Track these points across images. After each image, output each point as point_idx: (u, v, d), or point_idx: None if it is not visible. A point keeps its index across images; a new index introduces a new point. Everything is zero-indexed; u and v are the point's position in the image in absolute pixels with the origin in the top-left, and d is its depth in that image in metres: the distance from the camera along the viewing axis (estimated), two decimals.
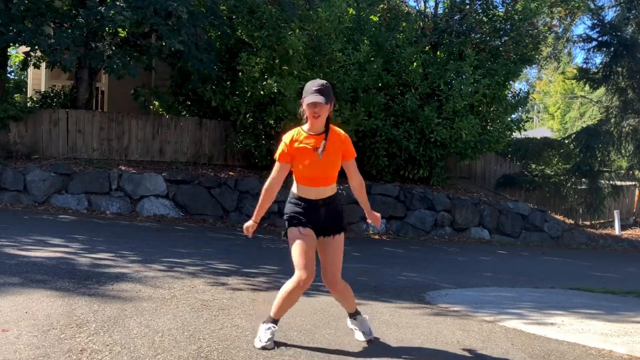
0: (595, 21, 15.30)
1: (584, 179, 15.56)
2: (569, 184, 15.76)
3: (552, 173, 16.12)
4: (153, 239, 8.05)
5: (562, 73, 23.34)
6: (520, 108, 15.29)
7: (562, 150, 16.21)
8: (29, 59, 11.43)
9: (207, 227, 10.11)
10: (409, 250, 9.85)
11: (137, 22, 10.46)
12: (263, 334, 3.58)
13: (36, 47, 10.56)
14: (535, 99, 39.39)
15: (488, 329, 4.40)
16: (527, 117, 15.87)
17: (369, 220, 3.82)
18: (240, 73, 11.45)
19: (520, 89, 18.05)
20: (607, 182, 15.89)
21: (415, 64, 12.18)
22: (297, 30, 11.11)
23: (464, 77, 12.30)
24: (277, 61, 11.29)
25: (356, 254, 8.88)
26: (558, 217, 14.34)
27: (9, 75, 16.72)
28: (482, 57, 13.19)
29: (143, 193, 10.62)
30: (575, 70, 17.77)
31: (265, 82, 10.93)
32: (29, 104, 12.36)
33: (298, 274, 3.53)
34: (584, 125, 19.12)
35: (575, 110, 30.77)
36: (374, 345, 3.78)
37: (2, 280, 4.64)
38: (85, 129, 11.60)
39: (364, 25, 12.42)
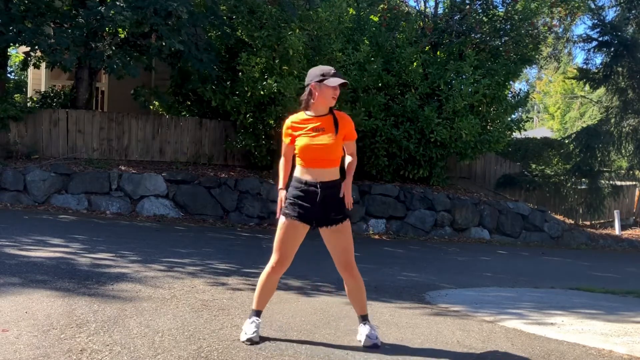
0: (596, 21, 15.30)
1: (584, 179, 15.56)
2: (569, 184, 15.77)
3: (552, 173, 16.12)
4: (153, 239, 8.05)
5: (563, 73, 23.37)
6: (520, 108, 15.31)
7: (562, 150, 16.21)
8: (29, 59, 11.43)
9: (207, 227, 10.12)
10: (409, 250, 9.85)
11: (137, 22, 10.46)
12: (248, 327, 3.62)
13: (36, 47, 10.56)
14: (535, 99, 39.40)
15: (488, 329, 4.40)
16: (527, 117, 15.87)
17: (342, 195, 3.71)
18: (240, 73, 11.46)
19: (520, 89, 18.07)
20: (607, 182, 15.89)
21: (415, 64, 12.18)
22: (297, 30, 11.11)
23: (464, 77, 12.30)
24: (277, 61, 11.29)
25: (356, 254, 8.82)
26: (558, 217, 14.34)
27: (9, 75, 16.73)
28: (482, 57, 13.20)
29: (143, 193, 10.62)
30: (575, 70, 17.77)
31: (265, 82, 10.94)
32: (29, 104, 12.36)
33: (272, 258, 3.65)
34: (584, 125, 19.13)
35: (575, 110, 30.78)
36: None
37: (2, 280, 4.64)
38: (85, 129, 11.60)
39: (364, 25, 12.42)
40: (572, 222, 15.07)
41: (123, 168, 11.10)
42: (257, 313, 3.71)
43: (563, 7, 14.87)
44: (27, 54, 11.32)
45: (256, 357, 3.36)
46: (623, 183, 16.47)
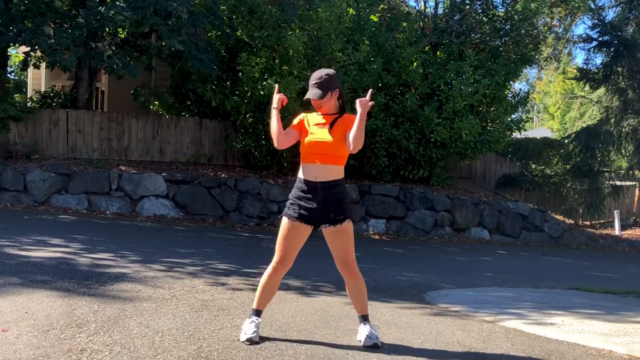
0: (596, 21, 15.30)
1: (584, 179, 15.56)
2: (569, 184, 15.77)
3: (552, 173, 16.12)
4: (153, 239, 8.05)
5: (563, 73, 23.36)
6: (520, 108, 15.30)
7: (562, 150, 16.21)
8: (29, 59, 11.43)
9: (207, 227, 10.11)
10: (409, 250, 9.85)
11: (137, 22, 10.46)
12: (247, 327, 3.63)
13: (36, 47, 10.56)
14: (535, 99, 39.38)
15: (488, 329, 4.40)
16: (527, 117, 15.88)
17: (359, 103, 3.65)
18: (240, 73, 11.46)
19: (520, 89, 18.07)
20: (607, 182, 15.88)
21: (415, 64, 12.18)
22: (297, 30, 11.11)
23: (464, 77, 12.30)
24: (277, 61, 11.29)
25: (356, 254, 8.83)
26: (558, 217, 14.34)
27: (9, 75, 16.72)
28: (482, 57, 13.20)
29: (143, 193, 10.62)
30: (575, 71, 17.77)
31: (265, 82, 10.94)
32: (29, 104, 12.36)
33: (274, 259, 3.66)
34: (584, 125, 19.12)
35: (575, 110, 30.78)
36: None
37: (2, 280, 4.64)
38: (85, 129, 11.60)
39: (364, 25, 12.43)
40: (572, 222, 15.07)
41: (123, 168, 11.10)
42: (257, 313, 3.72)
43: (563, 7, 14.88)
44: (27, 54, 11.32)
45: (256, 357, 3.36)
46: (623, 183, 16.47)
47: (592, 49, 15.76)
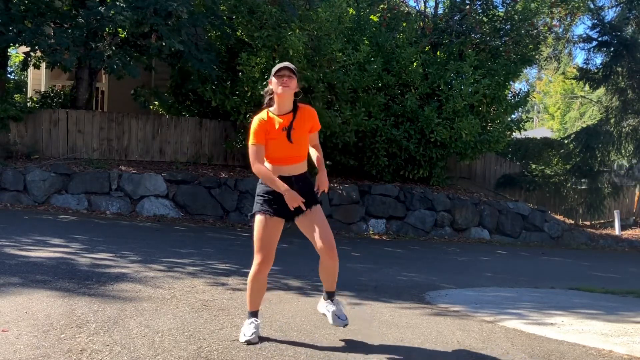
0: (595, 21, 15.30)
1: (584, 179, 15.56)
2: (569, 184, 15.76)
3: (552, 173, 16.11)
4: (153, 239, 8.05)
5: (563, 73, 23.35)
6: (520, 108, 15.30)
7: (562, 150, 16.21)
8: (29, 59, 11.43)
9: (207, 227, 10.11)
10: (409, 250, 9.85)
11: (137, 22, 10.45)
12: (247, 329, 3.63)
13: (36, 47, 10.56)
14: (535, 99, 39.38)
15: (488, 329, 4.40)
16: (527, 117, 15.87)
17: (317, 187, 3.73)
18: (240, 73, 11.45)
19: (520, 89, 18.02)
20: (607, 182, 15.88)
21: (415, 64, 12.18)
22: (297, 30, 11.11)
23: (464, 77, 12.30)
24: (277, 61, 11.28)
25: (356, 254, 8.88)
26: (558, 217, 14.34)
27: (9, 75, 16.72)
28: (482, 57, 13.19)
29: (143, 193, 10.62)
30: (575, 71, 17.76)
31: (265, 82, 10.92)
32: (29, 104, 12.36)
33: (255, 258, 3.63)
34: (584, 125, 19.11)
35: (575, 110, 30.78)
36: (374, 345, 3.78)
37: (2, 280, 4.64)
38: (85, 129, 11.60)
39: (364, 25, 12.42)
40: (572, 222, 15.06)
41: (123, 168, 11.10)
42: (254, 314, 3.72)
43: (563, 7, 14.88)
44: (27, 54, 11.32)
45: (256, 357, 3.36)
46: (623, 183, 16.46)
47: (592, 49, 15.75)
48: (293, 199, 3.52)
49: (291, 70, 3.58)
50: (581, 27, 67.86)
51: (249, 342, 3.55)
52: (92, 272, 5.29)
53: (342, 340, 3.81)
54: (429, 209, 11.98)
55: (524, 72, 23.82)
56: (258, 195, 3.70)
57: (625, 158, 16.20)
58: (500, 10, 14.11)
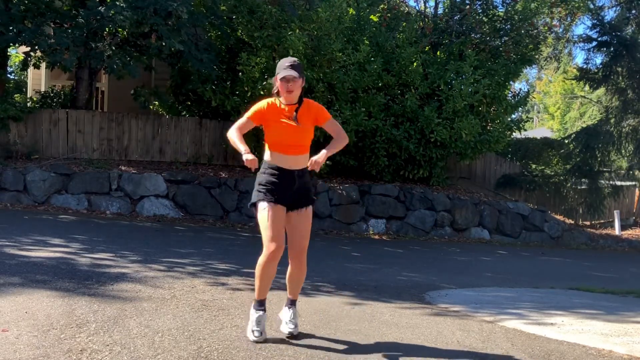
0: (595, 21, 15.30)
1: (584, 179, 15.56)
2: (569, 184, 15.76)
3: (552, 173, 16.11)
4: (153, 239, 8.05)
5: (563, 73, 23.36)
6: (520, 108, 15.30)
7: (562, 150, 16.21)
8: (29, 59, 11.42)
9: (207, 227, 10.11)
10: (409, 250, 9.85)
11: (137, 22, 10.45)
12: (253, 325, 3.64)
13: (36, 47, 10.56)
14: (535, 99, 39.39)
15: (488, 329, 4.40)
16: (527, 117, 15.86)
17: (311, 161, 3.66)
18: (240, 73, 11.45)
19: (520, 89, 18.00)
20: (607, 182, 15.88)
21: (415, 64, 12.17)
22: (297, 30, 11.11)
23: (464, 77, 12.29)
24: (277, 61, 11.27)
25: (356, 254, 8.88)
26: (558, 217, 14.34)
27: (9, 75, 16.72)
28: (482, 57, 13.19)
29: (143, 193, 10.62)
30: (575, 71, 17.76)
31: (265, 82, 10.93)
32: (29, 104, 12.36)
33: (267, 246, 3.61)
34: (584, 125, 19.12)
35: (575, 110, 30.78)
36: (374, 345, 3.78)
37: (2, 280, 4.64)
38: (85, 129, 11.60)
39: (364, 25, 12.42)
40: (572, 222, 15.06)
41: (123, 168, 11.10)
42: (261, 303, 3.71)
43: (563, 7, 14.87)
44: (27, 54, 11.32)
45: (256, 357, 3.36)
46: (623, 183, 16.46)
47: (591, 49, 15.75)
48: (251, 162, 3.52)
49: (295, 75, 3.61)
50: (581, 27, 67.95)
51: (257, 341, 3.57)
52: (92, 272, 5.29)
53: (342, 340, 3.81)
54: (429, 209, 11.98)
55: (524, 72, 23.82)
56: (260, 184, 3.71)
57: (625, 158, 16.20)
58: (500, 10, 14.11)
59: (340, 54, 11.41)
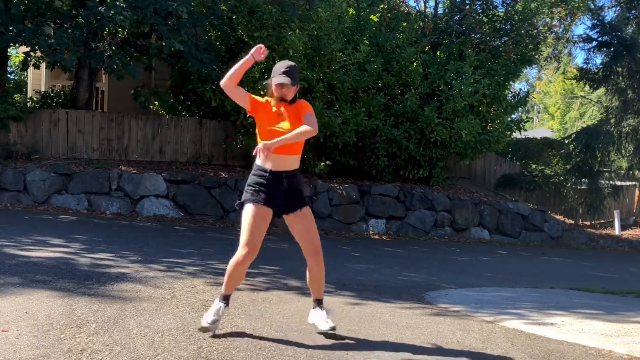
0: (595, 21, 15.30)
1: (584, 179, 15.56)
2: (569, 184, 15.76)
3: (552, 173, 16.11)
4: (153, 239, 8.05)
5: (563, 73, 23.36)
6: (520, 108, 15.31)
7: (562, 150, 16.21)
8: (29, 59, 11.42)
9: (207, 227, 10.11)
10: (409, 250, 9.85)
11: (137, 22, 10.45)
12: (209, 315, 3.68)
13: (36, 47, 10.56)
14: (535, 99, 39.39)
15: (488, 329, 4.40)
16: (527, 117, 15.87)
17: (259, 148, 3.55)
18: None
19: (520, 89, 18.04)
20: (607, 182, 15.88)
21: (415, 64, 12.17)
22: (297, 30, 11.11)
23: (464, 77, 12.29)
24: (277, 61, 11.27)
25: (356, 254, 8.88)
26: (558, 217, 14.34)
27: (9, 75, 16.71)
28: (482, 57, 13.19)
29: (143, 193, 10.61)
30: (575, 71, 17.77)
31: (265, 82, 10.92)
32: (29, 104, 12.36)
33: (239, 250, 3.67)
34: (584, 126, 19.12)
35: (575, 110, 30.79)
36: (375, 345, 3.78)
37: (2, 280, 4.64)
38: (85, 129, 11.60)
39: (364, 25, 12.42)
40: (572, 222, 15.06)
41: (123, 168, 11.10)
42: (226, 298, 3.76)
43: (563, 7, 14.87)
44: (27, 54, 11.32)
45: (256, 357, 3.36)
46: (623, 183, 16.46)
47: (592, 49, 15.76)
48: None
49: (288, 81, 3.63)
50: (581, 27, 67.97)
51: (205, 330, 3.61)
52: (92, 272, 5.29)
53: (342, 340, 3.81)
54: (429, 209, 11.98)
55: (524, 72, 23.83)
56: (249, 185, 3.75)
57: (625, 158, 16.20)
58: (500, 10, 14.11)
59: (340, 54, 11.41)
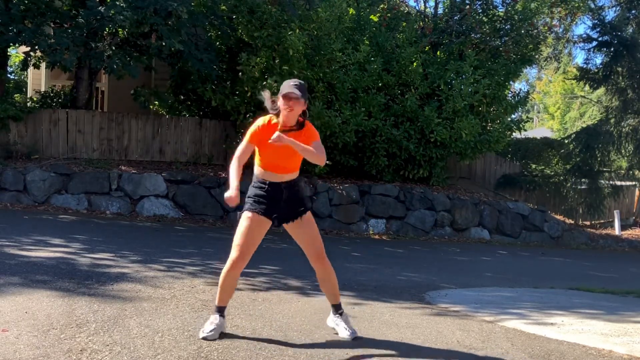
0: (596, 21, 15.30)
1: (584, 179, 15.56)
2: (569, 184, 15.76)
3: (552, 173, 16.11)
4: (153, 239, 8.05)
5: (563, 73, 23.36)
6: (520, 108, 15.30)
7: (562, 150, 16.21)
8: (29, 59, 11.43)
9: (207, 227, 10.12)
10: (409, 250, 9.85)
11: (137, 22, 10.45)
12: (207, 326, 3.66)
13: (36, 47, 10.56)
14: (535, 99, 39.38)
15: (488, 329, 4.40)
16: (527, 117, 15.87)
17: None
18: (240, 73, 11.45)
19: (520, 89, 18.05)
20: (607, 182, 15.87)
21: (415, 64, 12.17)
22: (297, 30, 11.11)
23: (464, 77, 12.29)
24: (277, 61, 11.29)
25: (356, 254, 8.88)
26: (558, 217, 14.34)
27: (9, 75, 16.71)
28: (482, 57, 13.19)
29: (143, 193, 10.62)
30: (575, 70, 17.76)
31: (265, 82, 10.93)
32: (29, 104, 12.36)
33: (232, 254, 3.68)
34: (584, 125, 19.12)
35: (575, 110, 30.78)
36: (375, 345, 3.78)
37: (2, 280, 4.64)
38: (85, 129, 11.60)
39: (364, 25, 12.42)
40: (572, 222, 15.06)
41: (123, 168, 11.10)
42: (221, 310, 3.74)
43: (563, 7, 14.88)
44: (27, 54, 11.32)
45: (256, 357, 3.36)
46: (623, 183, 16.46)
47: (592, 49, 15.76)
48: (230, 199, 3.54)
49: (298, 94, 3.61)
50: (581, 27, 68.01)
51: (205, 338, 3.58)
52: (92, 272, 5.29)
53: (342, 340, 3.81)
54: (429, 209, 11.97)
55: (524, 72, 23.85)
56: (248, 197, 3.78)
57: (625, 158, 16.20)
58: (500, 10, 14.11)
59: (340, 54, 11.41)
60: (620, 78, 15.35)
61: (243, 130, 11.97)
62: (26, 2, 10.57)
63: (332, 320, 3.99)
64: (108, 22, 10.29)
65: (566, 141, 16.45)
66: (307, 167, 11.72)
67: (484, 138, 12.46)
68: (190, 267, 5.99)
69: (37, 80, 15.39)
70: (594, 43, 15.51)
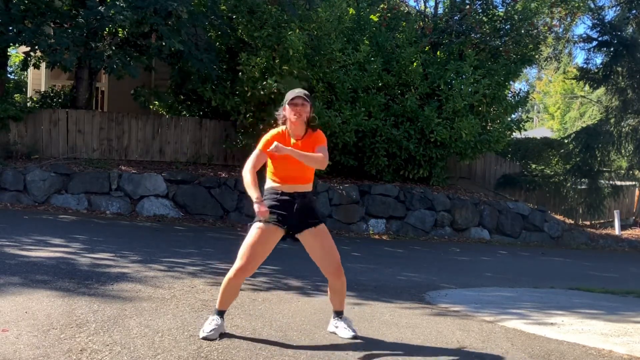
0: (596, 21, 15.30)
1: (584, 179, 15.56)
2: (569, 184, 15.76)
3: (552, 173, 16.11)
4: (153, 239, 8.05)
5: (563, 73, 23.36)
6: (520, 108, 15.30)
7: (562, 150, 16.21)
8: (29, 59, 11.43)
9: (207, 227, 10.11)
10: (409, 250, 9.85)
11: (137, 22, 10.46)
12: (207, 326, 3.65)
13: (36, 47, 10.56)
14: (535, 99, 39.37)
15: (488, 329, 4.40)
16: (527, 117, 15.87)
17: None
18: (240, 73, 11.45)
19: (520, 89, 18.04)
20: (607, 182, 15.87)
21: (415, 64, 12.18)
22: (297, 30, 11.11)
23: (464, 77, 12.30)
24: (277, 61, 11.29)
25: (356, 254, 8.88)
26: (558, 217, 14.34)
27: (9, 75, 16.71)
28: (482, 57, 13.19)
29: (143, 193, 10.62)
30: (575, 70, 17.76)
31: (265, 82, 10.94)
32: (29, 104, 12.36)
33: (237, 262, 3.64)
34: (584, 125, 19.10)
35: (575, 110, 30.77)
36: (375, 345, 3.78)
37: (2, 280, 4.64)
38: (85, 129, 11.60)
39: (364, 25, 12.43)
40: (572, 222, 15.06)
41: (123, 168, 11.10)
42: (221, 313, 3.73)
43: (563, 7, 14.88)
44: (27, 54, 11.32)
45: (256, 357, 3.36)
46: (623, 183, 16.46)
47: (592, 49, 15.76)
48: (260, 212, 3.55)
49: (304, 99, 3.63)
50: (581, 27, 68.01)
51: (206, 338, 3.57)
52: (92, 272, 5.29)
53: (342, 341, 3.81)
54: (429, 209, 11.98)
55: (524, 72, 23.86)
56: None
57: (625, 158, 16.20)
58: (500, 10, 14.11)
59: (340, 54, 11.41)
60: (620, 78, 15.35)
61: (243, 130, 12.00)
62: (26, 2, 10.57)
63: (332, 324, 3.98)
64: (108, 22, 10.29)
65: (566, 141, 16.45)
66: None
67: (484, 138, 12.46)
68: (190, 267, 5.99)
69: (37, 80, 15.39)
70: (594, 43, 15.52)
